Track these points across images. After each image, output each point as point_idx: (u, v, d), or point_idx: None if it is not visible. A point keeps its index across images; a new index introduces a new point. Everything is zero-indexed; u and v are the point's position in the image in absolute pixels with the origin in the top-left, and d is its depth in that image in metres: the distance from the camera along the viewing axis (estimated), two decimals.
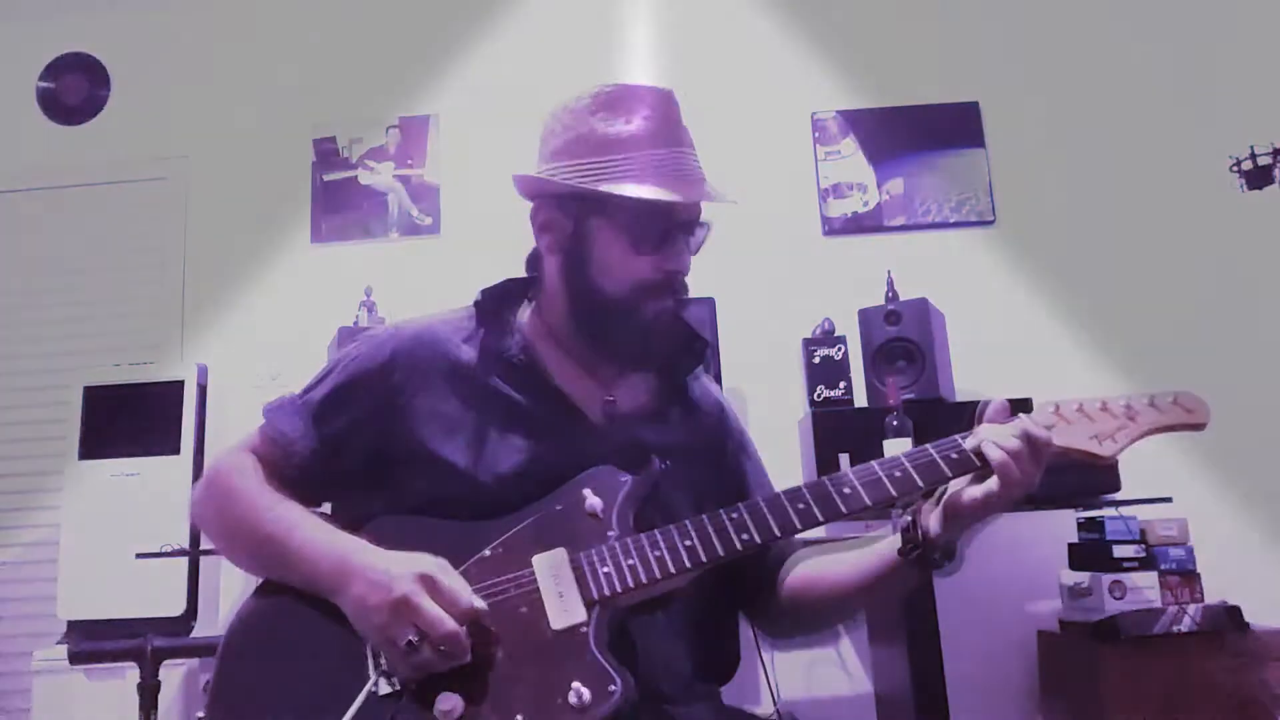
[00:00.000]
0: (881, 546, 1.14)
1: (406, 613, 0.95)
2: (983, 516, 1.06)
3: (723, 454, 1.31)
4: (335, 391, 1.19)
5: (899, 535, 1.11)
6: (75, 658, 2.37)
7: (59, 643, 2.63)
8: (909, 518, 1.10)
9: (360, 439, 1.17)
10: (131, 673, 2.30)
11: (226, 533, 1.16)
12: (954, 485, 1.07)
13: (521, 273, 1.31)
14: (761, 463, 1.37)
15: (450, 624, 0.95)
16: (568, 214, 1.19)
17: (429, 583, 0.97)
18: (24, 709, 2.71)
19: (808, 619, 1.27)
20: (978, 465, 1.04)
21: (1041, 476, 1.04)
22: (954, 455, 1.06)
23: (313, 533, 1.08)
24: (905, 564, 1.10)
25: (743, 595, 1.27)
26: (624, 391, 1.24)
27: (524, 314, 1.27)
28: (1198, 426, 1.08)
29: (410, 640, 0.94)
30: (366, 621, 0.99)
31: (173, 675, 2.64)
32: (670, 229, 1.16)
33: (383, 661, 0.99)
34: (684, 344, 1.28)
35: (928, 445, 1.08)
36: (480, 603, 0.99)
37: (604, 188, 1.13)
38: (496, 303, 1.26)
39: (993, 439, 1.03)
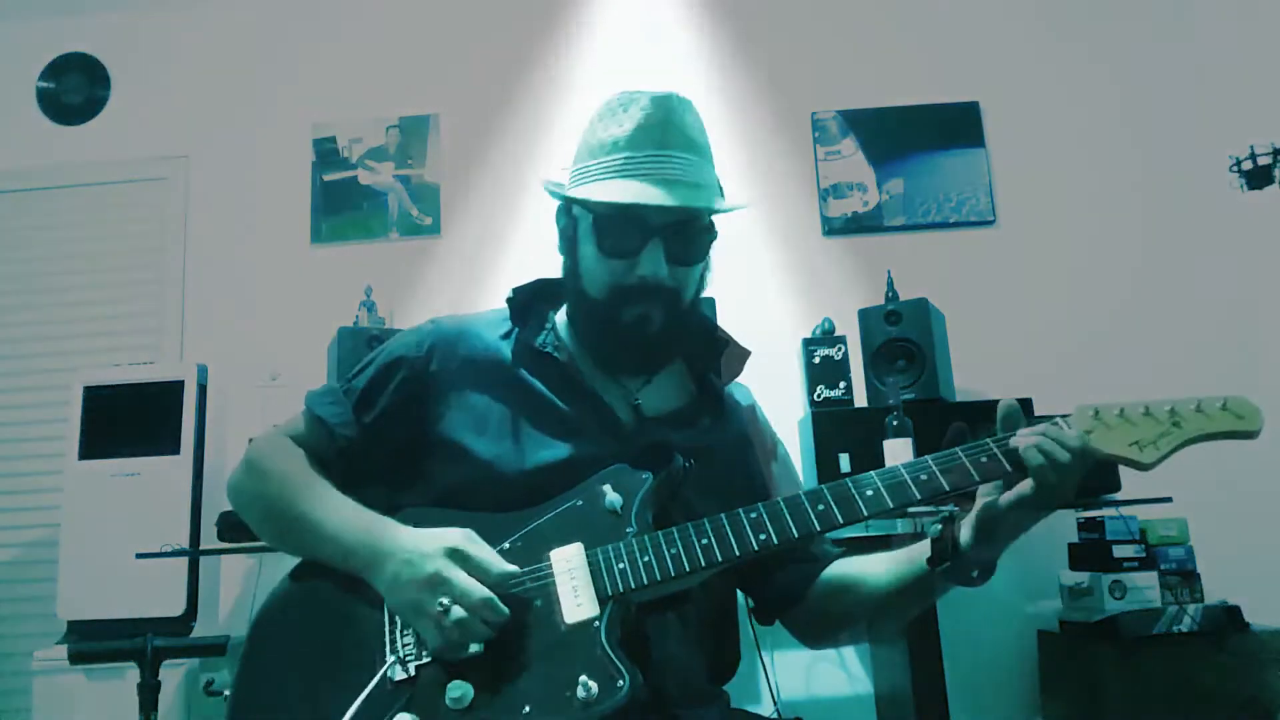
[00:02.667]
0: (914, 553, 1.12)
1: (440, 586, 0.98)
2: (1020, 525, 1.02)
3: (748, 458, 1.30)
4: (376, 380, 1.21)
5: (929, 544, 1.08)
6: (75, 658, 2.37)
7: (59, 643, 2.63)
8: (939, 527, 1.07)
9: (398, 427, 1.19)
10: (131, 673, 2.29)
11: (261, 512, 1.18)
12: (986, 496, 1.03)
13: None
14: (793, 467, 1.36)
15: (483, 590, 0.98)
16: (567, 217, 1.23)
17: (459, 556, 1.01)
18: (24, 709, 2.71)
19: (841, 625, 1.25)
20: (1008, 470, 1.01)
21: (1077, 485, 1.00)
22: (984, 459, 1.03)
23: (344, 512, 1.10)
24: (934, 574, 1.08)
25: (778, 600, 1.27)
26: (653, 393, 1.25)
27: (560, 315, 1.29)
28: (1250, 434, 0.99)
29: (441, 603, 0.97)
30: (401, 598, 1.01)
31: (173, 675, 2.64)
32: (640, 233, 1.13)
33: (399, 647, 1.01)
34: (704, 341, 1.29)
35: (956, 449, 1.04)
36: (511, 566, 1.02)
37: (572, 190, 1.15)
38: (529, 300, 1.28)
39: (1032, 443, 0.99)
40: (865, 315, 2.75)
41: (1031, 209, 3.19)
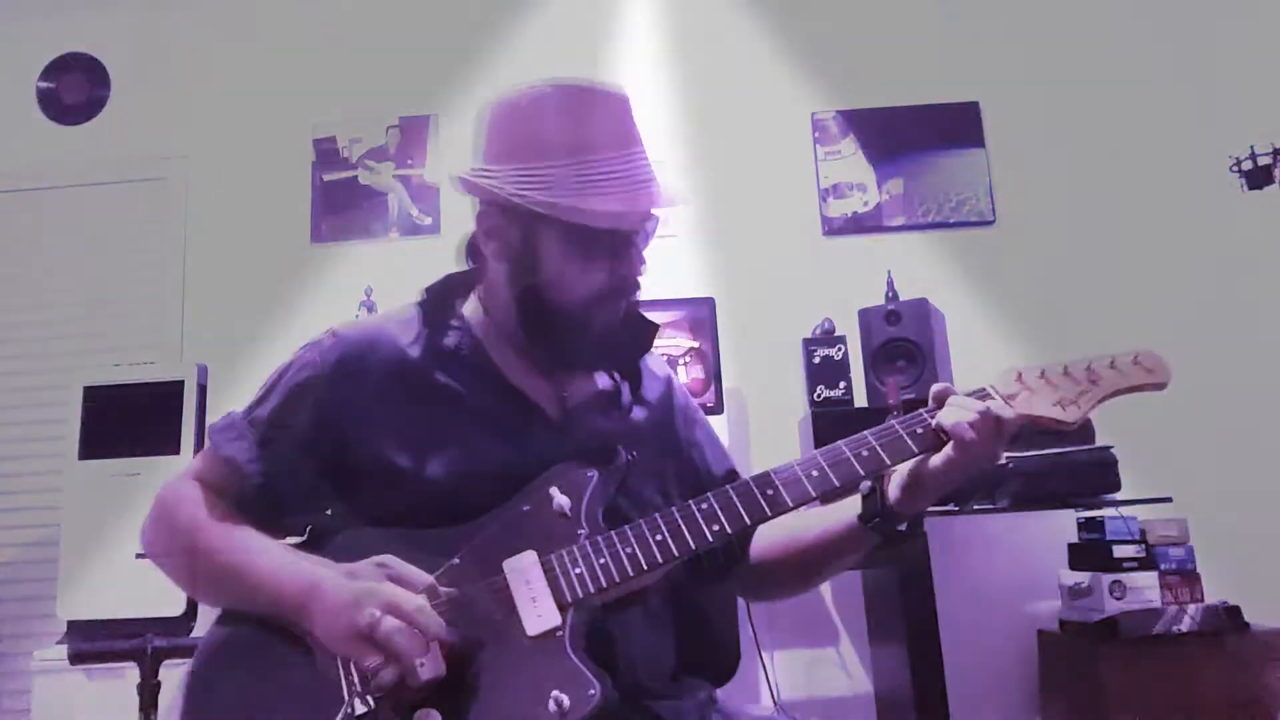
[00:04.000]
0: (846, 509, 1.15)
1: (369, 600, 0.93)
2: (945, 485, 1.07)
3: (674, 426, 1.30)
4: (282, 408, 1.13)
5: (859, 500, 1.13)
6: (75, 658, 2.36)
7: (59, 643, 2.63)
8: (870, 483, 1.11)
9: (314, 455, 1.11)
10: (131, 673, 2.29)
11: (183, 568, 1.11)
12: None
13: None
14: (713, 431, 1.37)
15: (413, 597, 0.94)
16: (514, 222, 1.13)
17: (385, 569, 0.98)
18: (24, 709, 2.71)
19: (778, 579, 1.27)
20: (946, 440, 1.06)
21: (1005, 448, 1.06)
22: (919, 430, 1.08)
23: (271, 559, 1.04)
24: (864, 529, 1.12)
25: (724, 561, 1.26)
26: (576, 382, 1.22)
27: (470, 309, 1.23)
28: (1159, 385, 1.08)
29: (371, 613, 0.92)
30: (334, 628, 0.95)
31: (173, 675, 2.64)
32: (626, 236, 1.12)
33: (356, 681, 0.94)
34: (635, 336, 1.23)
35: (894, 421, 1.10)
36: (430, 578, 0.98)
37: (558, 200, 1.07)
38: (440, 299, 1.22)
39: (953, 409, 1.07)
40: (865, 315, 2.76)
41: (1031, 209, 3.19)
